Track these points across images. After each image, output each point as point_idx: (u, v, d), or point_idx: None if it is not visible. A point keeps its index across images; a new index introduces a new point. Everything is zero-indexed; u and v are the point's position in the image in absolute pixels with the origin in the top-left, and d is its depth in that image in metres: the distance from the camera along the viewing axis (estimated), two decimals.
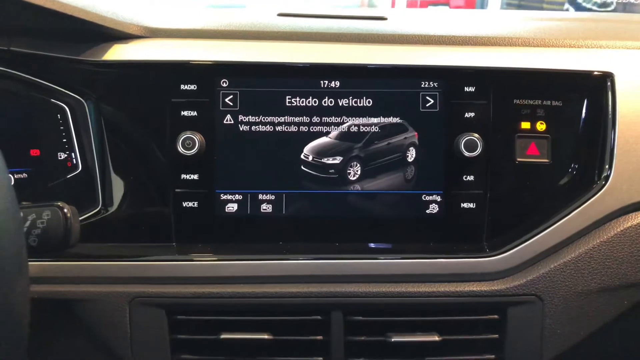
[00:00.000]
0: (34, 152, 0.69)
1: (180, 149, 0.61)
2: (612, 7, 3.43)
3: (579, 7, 3.43)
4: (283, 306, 0.59)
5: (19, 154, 0.69)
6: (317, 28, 0.69)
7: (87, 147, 0.66)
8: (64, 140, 0.69)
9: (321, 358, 0.59)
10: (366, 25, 0.72)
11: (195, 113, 0.63)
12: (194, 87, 0.63)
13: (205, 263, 0.60)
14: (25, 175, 0.69)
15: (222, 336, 0.57)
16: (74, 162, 0.69)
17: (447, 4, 5.05)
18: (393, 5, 4.93)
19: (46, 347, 0.61)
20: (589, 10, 3.38)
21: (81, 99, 0.65)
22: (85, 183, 0.69)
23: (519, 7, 4.28)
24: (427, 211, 0.63)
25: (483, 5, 5.10)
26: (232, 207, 0.64)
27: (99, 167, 0.64)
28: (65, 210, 0.47)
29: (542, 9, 4.00)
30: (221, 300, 0.58)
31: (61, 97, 0.68)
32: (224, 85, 0.64)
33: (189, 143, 0.61)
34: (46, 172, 0.69)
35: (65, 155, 0.70)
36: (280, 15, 0.75)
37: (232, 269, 0.59)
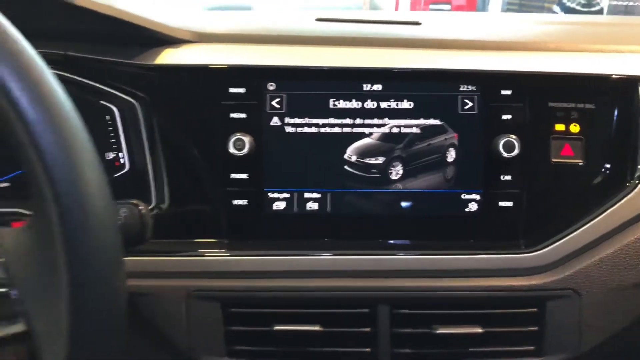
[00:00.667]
0: None
1: (231, 149, 0.64)
2: (597, 8, 3.47)
3: (564, 7, 3.48)
4: (332, 299, 0.61)
5: None
6: (357, 33, 0.72)
7: (138, 147, 0.69)
8: (112, 140, 0.72)
9: (369, 349, 0.61)
10: (402, 30, 0.75)
11: (244, 115, 0.66)
12: (243, 90, 0.66)
13: (257, 258, 0.62)
14: None
15: (275, 328, 0.60)
16: (122, 161, 0.72)
17: (449, 3, 5.07)
18: (397, 6, 4.97)
19: None
20: (574, 10, 3.42)
21: (133, 100, 0.68)
22: (133, 181, 0.72)
23: (520, 7, 4.31)
24: (466, 209, 0.66)
25: (484, 6, 5.14)
26: (279, 205, 0.66)
27: (152, 166, 0.67)
28: (141, 207, 0.49)
29: (543, 9, 4.03)
30: (273, 294, 0.61)
31: (111, 99, 0.70)
32: (271, 88, 0.66)
33: (239, 144, 0.64)
34: None
35: (114, 155, 0.72)
36: (318, 20, 0.77)
37: (284, 263, 0.62)
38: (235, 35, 0.69)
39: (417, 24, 0.77)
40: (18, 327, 0.35)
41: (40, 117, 0.34)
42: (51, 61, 0.67)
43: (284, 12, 0.96)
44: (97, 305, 0.34)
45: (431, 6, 5.07)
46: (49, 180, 0.34)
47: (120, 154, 0.72)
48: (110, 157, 0.72)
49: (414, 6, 5.08)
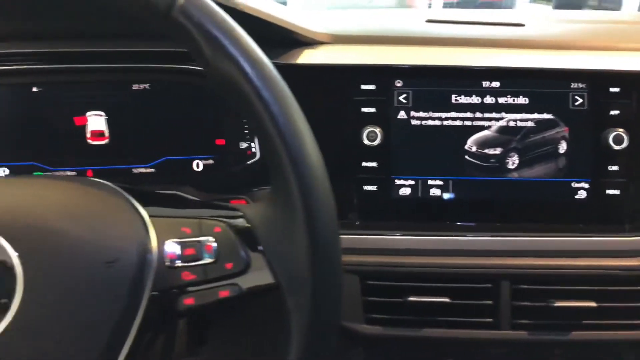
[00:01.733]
0: (219, 142, 0.80)
1: (365, 140, 0.72)
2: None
3: None
4: (459, 275, 0.69)
5: (206, 144, 0.80)
6: (469, 35, 0.79)
7: None
8: (246, 131, 0.80)
9: (491, 319, 0.69)
10: (508, 31, 0.81)
11: (374, 109, 0.73)
12: (373, 87, 0.73)
13: (389, 237, 0.70)
14: (211, 161, 0.81)
15: (409, 299, 0.67)
16: (253, 150, 0.80)
17: None
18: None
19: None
20: None
21: None
22: (262, 168, 0.80)
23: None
24: (576, 196, 0.73)
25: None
26: (405, 191, 0.74)
27: None
28: None
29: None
30: (406, 269, 0.69)
31: None
32: (399, 85, 0.73)
33: (372, 135, 0.72)
34: (229, 159, 0.80)
35: (246, 145, 0.80)
36: (428, 21, 0.84)
37: (414, 242, 0.70)
38: (363, 37, 0.76)
39: (521, 25, 0.84)
40: (268, 279, 0.43)
41: (275, 100, 0.41)
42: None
43: (395, 14, 1.02)
44: (331, 262, 0.42)
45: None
46: (289, 158, 0.41)
47: (252, 144, 0.80)
48: (243, 147, 0.81)
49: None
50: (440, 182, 0.73)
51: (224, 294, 0.43)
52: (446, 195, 0.73)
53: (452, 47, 0.76)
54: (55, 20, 0.66)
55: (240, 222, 0.45)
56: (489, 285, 0.69)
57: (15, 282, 0.38)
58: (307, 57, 0.73)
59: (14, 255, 0.39)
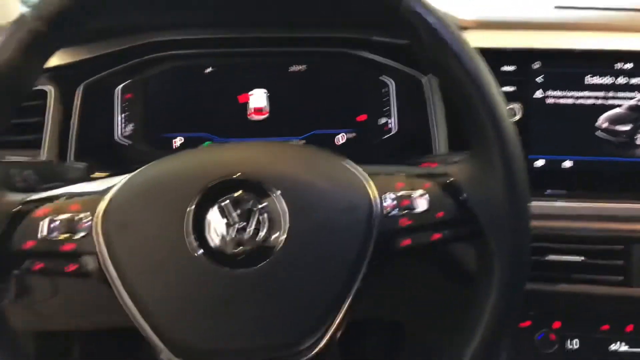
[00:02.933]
0: (361, 118, 0.90)
1: None
2: None
3: None
4: (593, 237, 0.76)
5: (350, 119, 0.90)
6: (599, 19, 0.85)
7: (417, 115, 0.85)
8: (386, 109, 0.90)
9: (622, 277, 0.76)
10: (636, 15, 0.87)
11: (515, 88, 0.81)
12: (513, 67, 0.81)
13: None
14: (353, 134, 0.90)
15: (547, 258, 0.76)
16: (390, 126, 0.90)
17: None
18: None
19: None
20: None
21: (419, 76, 0.84)
22: (399, 142, 0.89)
23: None
24: None
25: None
26: (538, 164, 0.81)
27: (436, 131, 0.83)
28: None
29: None
30: (545, 232, 0.77)
31: (391, 74, 0.88)
32: (536, 67, 0.81)
33: (512, 112, 0.79)
34: (368, 134, 0.90)
35: (385, 121, 0.90)
36: (557, 7, 0.91)
37: (553, 208, 0.78)
38: (504, 23, 0.84)
39: None
40: (474, 226, 0.52)
41: (485, 86, 0.51)
42: (359, 43, 0.85)
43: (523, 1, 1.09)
44: (525, 208, 0.51)
45: None
46: (494, 129, 0.50)
47: (390, 120, 0.89)
48: (381, 122, 0.90)
49: None
50: (572, 156, 0.81)
51: (436, 236, 0.53)
52: (579, 168, 0.81)
53: (585, 32, 0.82)
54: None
55: (445, 179, 0.55)
56: (621, 247, 0.76)
57: (283, 222, 0.49)
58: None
59: (280, 200, 0.50)
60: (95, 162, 0.77)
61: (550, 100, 0.81)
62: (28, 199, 0.53)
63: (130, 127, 0.87)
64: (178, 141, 0.88)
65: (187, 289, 0.49)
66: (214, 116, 0.88)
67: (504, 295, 0.51)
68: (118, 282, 0.50)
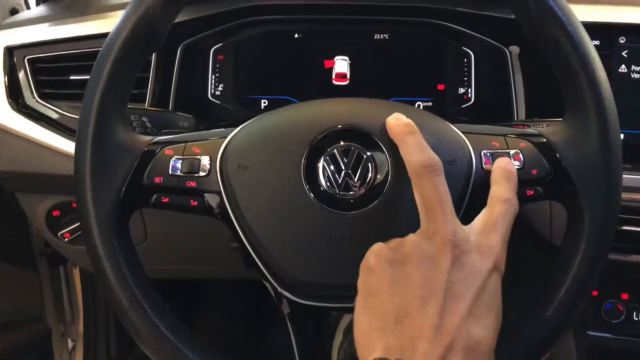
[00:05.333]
0: (440, 87, 0.93)
1: None
2: None
3: None
4: None
5: (429, 87, 0.93)
6: None
7: (499, 85, 0.87)
8: (465, 78, 0.92)
9: None
10: None
11: None
12: (597, 42, 0.82)
13: None
14: (430, 103, 0.93)
15: (622, 227, 0.78)
16: (469, 95, 0.92)
17: None
18: None
19: None
20: None
21: (503, 47, 0.86)
22: (477, 112, 0.92)
23: None
24: None
25: None
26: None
27: (515, 100, 0.85)
28: None
29: None
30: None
31: (471, 44, 0.90)
32: (622, 42, 0.82)
33: None
34: (446, 102, 0.93)
35: (464, 90, 0.92)
36: None
37: (630, 181, 0.79)
38: None
39: None
40: (566, 185, 0.55)
41: (588, 54, 0.54)
42: (443, 14, 0.88)
43: None
44: (619, 173, 0.54)
45: None
46: (591, 90, 0.53)
47: (469, 90, 0.92)
48: (460, 92, 0.93)
49: None
50: None
51: (529, 193, 0.56)
52: None
53: None
54: None
55: (540, 138, 0.58)
56: None
57: (387, 169, 0.54)
58: None
59: (385, 149, 0.54)
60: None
61: (635, 75, 0.82)
62: (155, 140, 0.59)
63: (220, 87, 0.92)
64: (262, 103, 0.94)
65: (298, 227, 0.54)
66: (298, 80, 0.93)
67: (591, 252, 0.54)
68: (234, 218, 0.56)
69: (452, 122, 0.60)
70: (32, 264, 1.18)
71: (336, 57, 0.92)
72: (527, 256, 0.81)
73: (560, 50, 0.54)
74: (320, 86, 0.93)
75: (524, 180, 0.56)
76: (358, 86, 0.93)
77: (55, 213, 0.89)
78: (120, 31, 0.54)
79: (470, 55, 0.91)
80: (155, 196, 0.57)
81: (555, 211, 0.78)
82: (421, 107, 0.93)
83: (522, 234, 0.75)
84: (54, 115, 0.83)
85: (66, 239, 0.90)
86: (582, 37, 0.54)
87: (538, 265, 0.86)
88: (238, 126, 0.60)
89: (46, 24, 0.86)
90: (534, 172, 0.56)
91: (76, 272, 1.34)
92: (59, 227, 0.90)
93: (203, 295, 1.44)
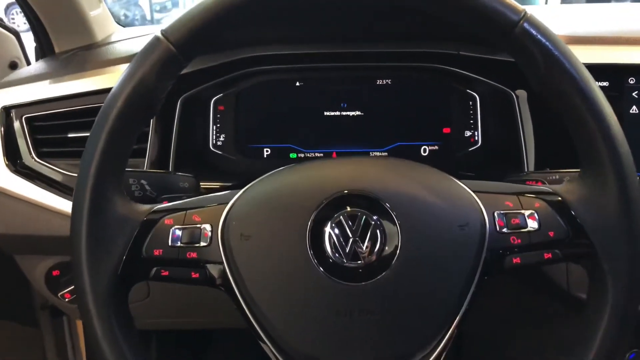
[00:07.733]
0: (446, 130, 0.91)
1: None
2: None
3: None
4: None
5: (435, 131, 0.91)
6: None
7: (507, 127, 0.85)
8: (471, 121, 0.90)
9: None
10: None
11: None
12: (606, 83, 0.80)
13: None
14: (436, 147, 0.91)
15: None
16: (476, 138, 0.90)
17: None
18: None
19: None
20: None
21: (509, 90, 0.85)
22: (484, 155, 0.90)
23: None
24: None
25: None
26: None
27: (524, 142, 0.83)
28: None
29: None
30: None
31: (475, 87, 0.88)
32: (631, 82, 0.80)
33: None
34: (453, 146, 0.90)
35: (470, 133, 0.90)
36: None
37: None
38: (596, 38, 0.83)
39: None
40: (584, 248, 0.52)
41: (601, 109, 0.51)
42: (446, 58, 0.86)
43: (615, 11, 1.07)
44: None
45: None
46: (607, 147, 0.50)
47: (476, 132, 0.90)
48: (467, 135, 0.91)
49: None
50: None
51: (547, 256, 0.53)
52: None
53: None
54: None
55: (555, 197, 0.55)
56: None
57: (397, 236, 0.51)
58: None
59: (394, 215, 0.52)
60: (193, 170, 0.81)
61: None
62: (154, 208, 0.56)
63: (222, 137, 0.91)
64: (264, 152, 0.92)
65: (305, 300, 0.51)
66: (300, 128, 0.91)
67: (618, 318, 0.51)
68: (236, 290, 0.53)
69: (459, 169, 0.57)
70: (33, 317, 1.16)
71: (339, 105, 0.91)
72: (548, 311, 0.78)
73: (572, 106, 0.52)
74: (323, 134, 0.91)
75: (540, 243, 0.53)
76: (362, 132, 0.91)
77: (55, 273, 0.87)
78: (115, 100, 0.52)
79: (476, 98, 0.90)
80: (154, 269, 0.55)
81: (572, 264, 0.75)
82: (427, 151, 0.91)
83: (539, 290, 0.72)
84: (53, 175, 0.81)
85: (66, 299, 0.88)
86: (595, 92, 0.51)
87: (558, 319, 0.83)
88: (239, 180, 0.58)
89: (43, 82, 0.85)
90: (551, 234, 0.53)
91: (79, 322, 1.31)
92: (59, 287, 0.88)
93: (211, 345, 1.40)
